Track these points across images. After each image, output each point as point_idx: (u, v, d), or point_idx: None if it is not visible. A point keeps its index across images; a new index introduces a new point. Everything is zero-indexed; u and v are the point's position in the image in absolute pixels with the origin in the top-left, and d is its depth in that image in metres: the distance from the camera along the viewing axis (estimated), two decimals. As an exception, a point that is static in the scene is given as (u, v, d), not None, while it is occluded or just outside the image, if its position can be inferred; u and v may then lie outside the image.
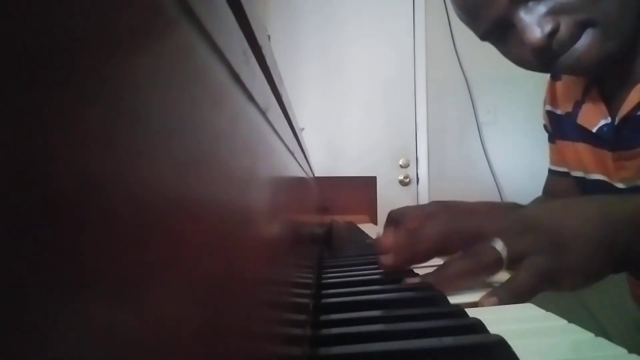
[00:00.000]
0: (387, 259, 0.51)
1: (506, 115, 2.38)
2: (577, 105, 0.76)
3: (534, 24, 0.60)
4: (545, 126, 0.89)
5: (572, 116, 0.77)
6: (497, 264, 0.45)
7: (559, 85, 0.83)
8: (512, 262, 0.45)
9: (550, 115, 0.86)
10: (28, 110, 0.06)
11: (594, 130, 0.71)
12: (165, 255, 0.10)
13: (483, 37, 0.68)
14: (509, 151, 2.38)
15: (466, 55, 2.35)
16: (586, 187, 0.77)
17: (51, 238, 0.06)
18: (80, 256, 0.07)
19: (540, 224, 0.46)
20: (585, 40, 0.60)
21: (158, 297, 0.09)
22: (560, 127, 0.83)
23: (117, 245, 0.08)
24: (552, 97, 0.85)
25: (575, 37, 0.60)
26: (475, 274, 0.46)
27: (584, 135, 0.74)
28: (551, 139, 0.88)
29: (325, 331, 0.37)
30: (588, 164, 0.75)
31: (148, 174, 0.09)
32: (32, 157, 0.06)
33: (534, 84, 2.33)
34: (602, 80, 0.72)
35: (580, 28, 0.60)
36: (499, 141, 2.38)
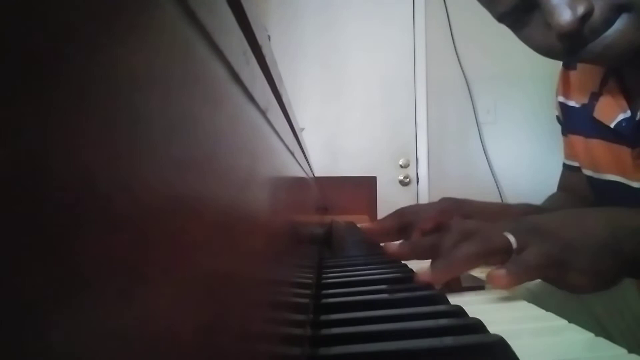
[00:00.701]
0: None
1: (506, 115, 2.38)
2: (594, 97, 0.70)
3: (564, 4, 0.53)
4: (557, 118, 0.84)
5: (587, 109, 0.71)
6: (506, 251, 0.45)
7: (573, 74, 0.76)
8: (521, 252, 0.46)
9: (562, 106, 0.80)
10: (28, 110, 0.06)
11: (612, 125, 0.66)
12: (165, 255, 0.10)
13: (501, 18, 0.60)
14: (509, 151, 2.38)
15: (466, 55, 2.35)
16: (597, 187, 0.73)
17: (51, 238, 0.06)
18: (80, 256, 0.07)
19: (546, 229, 0.47)
20: (619, 25, 0.53)
21: (157, 297, 0.09)
22: (572, 121, 0.77)
23: (115, 245, 0.08)
24: (564, 88, 0.79)
25: (609, 22, 0.53)
26: (484, 257, 0.46)
27: (600, 130, 0.69)
28: (564, 132, 0.83)
29: (325, 331, 0.37)
30: (601, 162, 0.71)
31: (148, 174, 0.09)
32: (31, 156, 0.06)
33: (534, 84, 2.34)
34: (621, 70, 0.66)
35: (615, 12, 0.53)
36: (499, 141, 2.38)
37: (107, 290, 0.07)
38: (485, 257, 0.46)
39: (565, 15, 0.53)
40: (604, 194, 0.72)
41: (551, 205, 0.84)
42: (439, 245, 0.50)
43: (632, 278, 0.51)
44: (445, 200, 0.74)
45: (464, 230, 0.50)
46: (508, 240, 0.46)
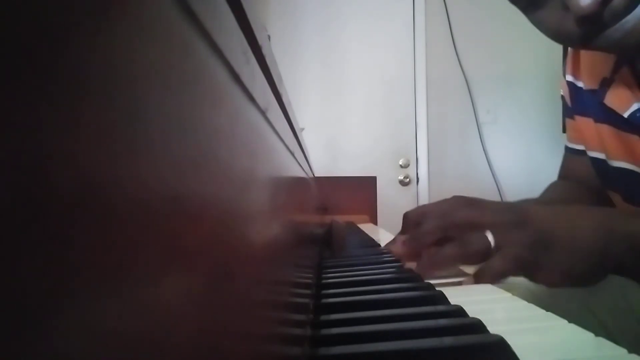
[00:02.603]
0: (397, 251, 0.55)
1: (506, 115, 2.38)
2: (605, 84, 0.67)
3: None
4: (562, 98, 0.81)
5: (597, 95, 0.69)
6: (485, 252, 0.49)
7: (584, 55, 0.73)
8: (499, 250, 0.49)
9: (570, 86, 0.76)
10: (27, 110, 0.06)
11: (626, 115, 0.64)
12: (164, 255, 0.10)
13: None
14: (508, 151, 2.38)
15: (466, 55, 2.35)
16: (605, 171, 0.71)
17: (50, 237, 0.06)
18: (79, 255, 0.07)
19: (535, 223, 0.49)
20: None
21: (157, 297, 0.09)
22: (581, 102, 0.75)
23: (114, 245, 0.08)
24: (574, 67, 0.75)
25: (629, 6, 0.51)
26: (464, 259, 0.50)
27: (610, 117, 0.67)
28: (570, 114, 0.80)
29: (325, 331, 0.37)
30: (611, 148, 0.69)
31: (148, 174, 0.09)
32: (31, 156, 0.06)
33: (534, 84, 2.34)
34: (634, 58, 0.64)
35: None
36: (499, 141, 2.38)
37: (107, 290, 0.07)
38: (465, 259, 0.50)
39: None
40: (614, 180, 0.71)
41: (551, 196, 0.83)
42: (419, 240, 0.54)
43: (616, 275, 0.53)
44: (454, 198, 0.73)
45: (444, 226, 0.53)
46: (487, 242, 0.49)
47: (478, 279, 0.49)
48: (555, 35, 0.57)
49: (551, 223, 0.50)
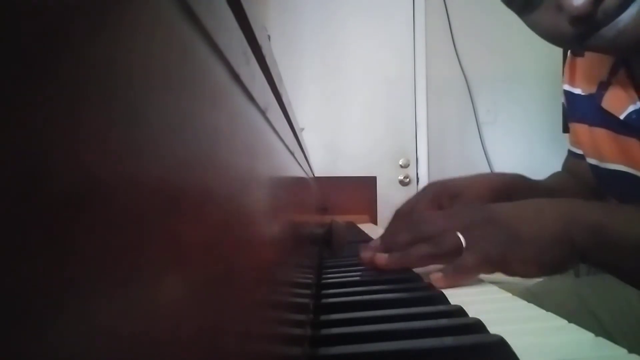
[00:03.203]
0: (380, 259, 0.55)
1: (506, 115, 2.38)
2: (602, 87, 0.68)
3: None
4: (563, 105, 0.83)
5: (594, 98, 0.69)
6: (457, 251, 0.50)
7: (580, 62, 0.75)
8: (469, 249, 0.51)
9: (567, 95, 0.78)
10: (27, 110, 0.06)
11: (622, 117, 0.64)
12: (164, 255, 0.10)
13: (509, 1, 0.59)
14: (509, 151, 2.38)
15: (466, 55, 2.34)
16: (601, 176, 0.72)
17: (51, 237, 0.06)
18: (80, 255, 0.07)
19: (500, 219, 0.52)
20: (633, 10, 0.51)
21: (157, 297, 0.09)
22: (576, 109, 0.76)
23: (114, 244, 0.08)
24: (570, 75, 0.77)
25: (623, 6, 0.51)
26: (436, 258, 0.52)
27: (607, 120, 0.67)
28: (570, 120, 0.82)
29: (325, 331, 0.37)
30: (606, 152, 0.69)
31: (148, 174, 0.09)
32: (31, 156, 0.06)
33: (534, 84, 2.34)
34: (630, 61, 0.65)
35: None
36: (499, 141, 2.38)
37: (107, 290, 0.07)
38: (437, 258, 0.52)
39: None
40: (609, 183, 0.72)
41: (553, 183, 0.86)
42: (396, 242, 0.56)
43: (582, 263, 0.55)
44: (431, 186, 0.76)
45: (420, 231, 0.55)
46: (459, 241, 0.51)
47: (447, 276, 0.49)
48: (550, 36, 0.58)
49: (516, 218, 0.52)
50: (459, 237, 0.51)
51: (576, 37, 0.54)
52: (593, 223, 0.51)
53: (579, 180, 0.84)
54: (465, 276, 0.50)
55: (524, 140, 2.36)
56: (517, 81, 2.34)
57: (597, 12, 0.51)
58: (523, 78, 2.34)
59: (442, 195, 0.72)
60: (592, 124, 0.71)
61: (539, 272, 0.52)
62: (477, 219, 0.52)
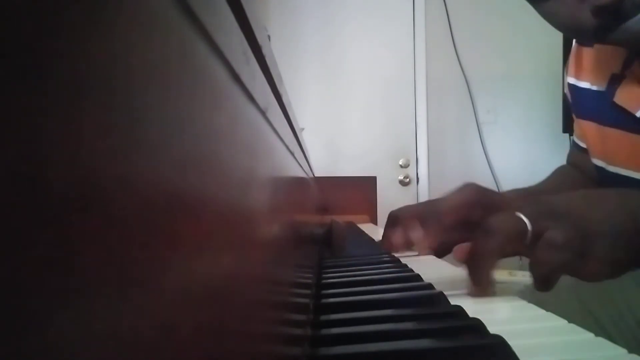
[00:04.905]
0: (416, 234, 0.46)
1: (506, 115, 2.38)
2: (615, 80, 0.62)
3: None
4: (564, 98, 0.78)
5: (606, 94, 0.63)
6: (521, 236, 0.43)
7: (588, 53, 0.68)
8: (535, 238, 0.43)
9: (572, 89, 0.71)
10: (28, 110, 0.06)
11: (638, 114, 0.58)
12: (164, 255, 0.10)
13: None
14: (509, 151, 2.38)
15: (466, 55, 2.34)
16: (607, 179, 0.66)
17: (51, 237, 0.06)
18: (80, 255, 0.07)
19: (568, 213, 0.44)
20: None
21: (157, 297, 0.09)
22: (582, 105, 0.70)
23: (114, 244, 0.08)
24: (576, 67, 0.70)
25: None
26: (503, 251, 0.44)
27: (620, 118, 0.62)
28: (575, 115, 0.76)
29: (325, 331, 0.37)
30: (617, 155, 0.64)
31: (148, 174, 0.09)
32: (31, 156, 0.06)
33: (534, 84, 2.34)
34: None
35: None
36: (499, 141, 2.38)
37: (107, 290, 0.07)
38: (504, 251, 0.44)
39: None
40: (612, 186, 0.66)
41: (560, 181, 0.80)
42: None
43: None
44: (468, 187, 0.66)
45: (465, 204, 0.47)
46: (523, 223, 0.43)
47: (537, 281, 0.41)
48: (567, 28, 0.53)
49: (579, 210, 0.45)
50: (521, 218, 0.43)
51: (598, 29, 0.50)
52: None
53: (586, 174, 0.78)
54: (559, 257, 0.42)
55: (524, 140, 2.36)
56: (517, 81, 2.34)
57: (624, 3, 0.47)
58: (523, 78, 2.34)
59: (476, 203, 0.62)
60: (603, 123, 0.65)
61: (610, 273, 0.45)
62: (537, 210, 0.45)
